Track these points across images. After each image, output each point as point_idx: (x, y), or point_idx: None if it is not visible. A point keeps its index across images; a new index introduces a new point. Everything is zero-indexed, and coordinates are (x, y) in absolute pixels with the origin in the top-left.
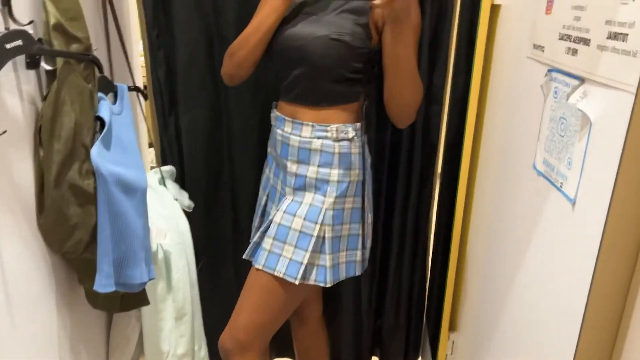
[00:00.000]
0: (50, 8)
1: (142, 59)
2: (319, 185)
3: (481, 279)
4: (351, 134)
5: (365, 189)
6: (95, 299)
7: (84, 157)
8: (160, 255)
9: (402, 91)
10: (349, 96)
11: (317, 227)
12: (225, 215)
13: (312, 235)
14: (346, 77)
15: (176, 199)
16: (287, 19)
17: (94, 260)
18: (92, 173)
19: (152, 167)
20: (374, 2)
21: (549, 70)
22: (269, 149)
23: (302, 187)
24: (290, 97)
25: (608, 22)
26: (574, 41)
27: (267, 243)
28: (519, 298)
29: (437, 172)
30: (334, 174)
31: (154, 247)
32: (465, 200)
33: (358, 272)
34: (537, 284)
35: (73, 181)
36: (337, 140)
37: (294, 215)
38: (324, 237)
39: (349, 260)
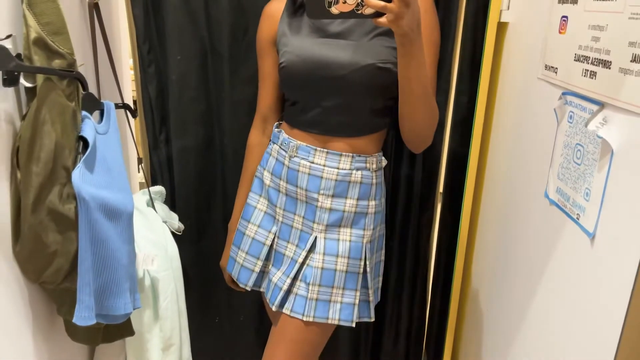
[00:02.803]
0: (31, 22)
1: (132, 72)
2: (357, 219)
3: (487, 311)
4: (384, 162)
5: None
6: (75, 331)
7: (65, 180)
8: (147, 282)
9: (415, 114)
10: (381, 124)
11: (362, 263)
12: (217, 239)
13: (358, 273)
14: (383, 105)
15: (165, 222)
16: (312, 42)
17: (74, 290)
18: (74, 197)
19: (140, 183)
20: (379, 20)
21: (564, 93)
22: (267, 182)
23: (337, 222)
24: (318, 129)
25: (632, 44)
26: (593, 63)
27: (312, 291)
28: (532, 335)
29: (438, 195)
30: (372, 205)
31: (140, 274)
32: (469, 225)
33: (379, 299)
34: (553, 318)
35: (52, 206)
36: (375, 170)
37: (337, 256)
38: (365, 272)
39: (376, 288)
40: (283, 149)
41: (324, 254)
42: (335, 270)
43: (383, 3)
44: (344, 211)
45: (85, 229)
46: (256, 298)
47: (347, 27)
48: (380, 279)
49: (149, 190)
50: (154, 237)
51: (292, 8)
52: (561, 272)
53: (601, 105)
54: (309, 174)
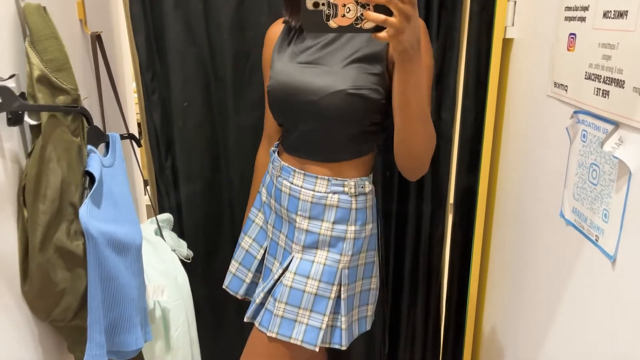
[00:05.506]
0: (34, 60)
1: (135, 95)
2: (333, 242)
3: (504, 337)
4: (368, 187)
5: (378, 241)
6: None
7: (72, 216)
8: (158, 313)
9: (413, 138)
10: (363, 150)
11: (335, 288)
12: (226, 263)
13: (329, 298)
14: (362, 131)
15: (174, 250)
16: (290, 67)
17: (84, 327)
18: (81, 233)
19: (146, 206)
20: (379, 34)
21: (575, 112)
22: (263, 198)
23: (313, 244)
24: (298, 152)
25: None
26: (605, 82)
27: (278, 308)
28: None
29: (448, 214)
30: (351, 230)
31: (150, 305)
32: (482, 245)
33: (368, 327)
34: (574, 344)
35: (60, 243)
36: (355, 195)
37: (308, 277)
38: (339, 298)
39: (361, 317)
40: (273, 168)
41: (295, 273)
42: (304, 291)
43: (384, 16)
44: (319, 234)
45: (95, 266)
46: None
47: (325, 54)
48: (371, 307)
49: (156, 219)
50: (164, 267)
51: (286, 32)
52: (581, 294)
53: (616, 125)
54: (289, 194)
